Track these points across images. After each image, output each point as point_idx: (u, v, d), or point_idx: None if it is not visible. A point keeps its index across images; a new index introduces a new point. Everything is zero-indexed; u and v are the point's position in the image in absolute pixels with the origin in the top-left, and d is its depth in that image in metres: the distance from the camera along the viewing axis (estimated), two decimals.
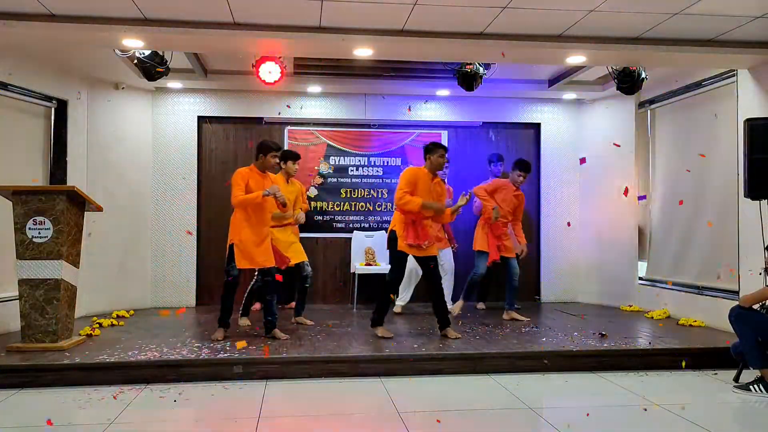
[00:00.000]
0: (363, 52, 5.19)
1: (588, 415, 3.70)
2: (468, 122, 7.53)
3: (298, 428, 3.59)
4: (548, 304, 7.39)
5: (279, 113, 7.14)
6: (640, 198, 7.02)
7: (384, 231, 7.18)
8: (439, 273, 5.25)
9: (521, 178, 6.25)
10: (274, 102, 7.21)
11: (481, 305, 7.00)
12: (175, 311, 5.17)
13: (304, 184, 7.23)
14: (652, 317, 6.30)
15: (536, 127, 7.68)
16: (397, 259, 5.15)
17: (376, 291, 7.11)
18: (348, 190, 7.41)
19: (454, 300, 6.60)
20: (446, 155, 5.27)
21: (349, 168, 7.43)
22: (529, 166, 6.30)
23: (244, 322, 5.75)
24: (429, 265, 5.19)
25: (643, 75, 5.92)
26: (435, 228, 5.52)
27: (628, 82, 5.92)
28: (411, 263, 5.49)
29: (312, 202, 7.31)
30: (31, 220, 4.68)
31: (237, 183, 4.97)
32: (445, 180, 6.32)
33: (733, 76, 5.63)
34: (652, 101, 6.96)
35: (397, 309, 6.57)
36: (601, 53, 5.25)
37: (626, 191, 6.96)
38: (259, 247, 5.03)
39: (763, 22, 4.62)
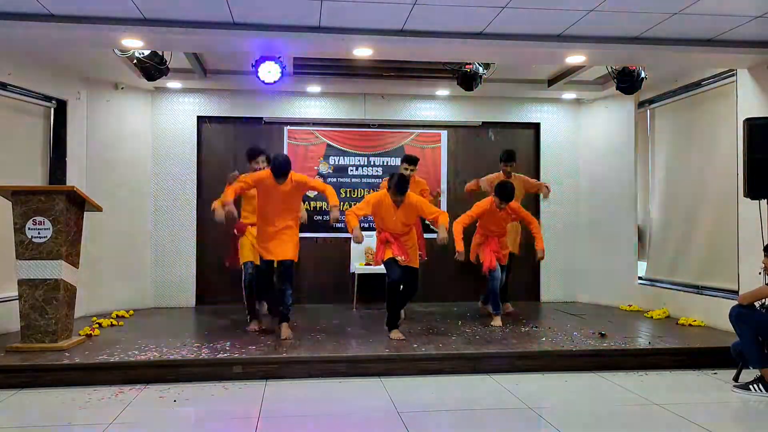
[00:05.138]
0: (363, 52, 5.19)
1: (587, 414, 3.70)
2: (468, 122, 7.53)
3: (298, 428, 3.59)
4: (548, 304, 7.39)
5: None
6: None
7: None
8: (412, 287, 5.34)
9: (408, 171, 5.95)
10: (274, 102, 7.21)
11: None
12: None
13: None
14: (652, 317, 6.31)
15: (536, 126, 7.67)
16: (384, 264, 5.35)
17: (378, 292, 7.16)
18: (348, 190, 7.40)
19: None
20: (398, 189, 5.14)
21: (349, 168, 7.43)
22: (409, 158, 6.10)
23: (253, 327, 5.49)
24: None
25: (643, 75, 5.92)
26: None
27: (627, 82, 5.92)
28: None
29: (312, 202, 7.30)
30: (31, 220, 4.67)
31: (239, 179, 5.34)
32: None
33: (733, 76, 5.63)
34: (651, 101, 6.96)
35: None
36: (601, 53, 5.25)
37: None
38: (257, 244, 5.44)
39: (763, 22, 4.62)
